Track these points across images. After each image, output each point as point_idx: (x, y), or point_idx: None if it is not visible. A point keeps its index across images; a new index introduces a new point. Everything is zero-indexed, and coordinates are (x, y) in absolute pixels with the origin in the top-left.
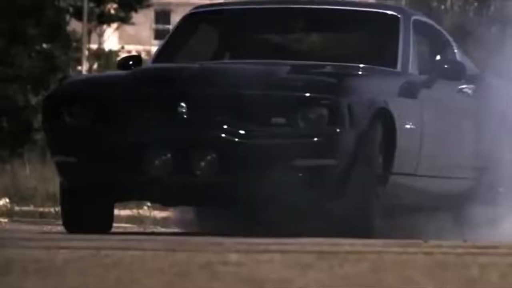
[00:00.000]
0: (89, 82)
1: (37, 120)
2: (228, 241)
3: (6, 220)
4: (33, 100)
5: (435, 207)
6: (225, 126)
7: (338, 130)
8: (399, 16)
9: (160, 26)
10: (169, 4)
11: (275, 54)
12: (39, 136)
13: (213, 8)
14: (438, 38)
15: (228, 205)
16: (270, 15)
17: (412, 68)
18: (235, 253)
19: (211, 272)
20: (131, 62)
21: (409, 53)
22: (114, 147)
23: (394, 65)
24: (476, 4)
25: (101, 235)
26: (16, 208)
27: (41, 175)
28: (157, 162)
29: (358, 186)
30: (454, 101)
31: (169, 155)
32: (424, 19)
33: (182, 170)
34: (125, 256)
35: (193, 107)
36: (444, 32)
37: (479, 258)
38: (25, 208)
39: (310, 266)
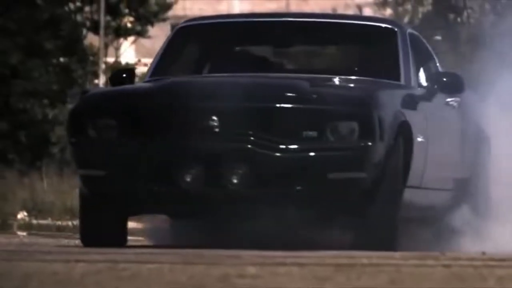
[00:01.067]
0: (115, 95)
1: (55, 134)
2: (245, 254)
3: (24, 233)
4: (51, 113)
5: (432, 218)
6: (256, 140)
7: (370, 143)
8: (396, 29)
9: None
10: (185, 17)
11: (272, 67)
12: (56, 150)
13: (205, 22)
14: (426, 51)
15: (260, 218)
16: (265, 28)
17: (414, 82)
18: (252, 265)
19: (229, 285)
20: (124, 75)
21: (410, 66)
22: (145, 160)
23: (398, 78)
24: (492, 16)
25: (118, 248)
26: (34, 222)
27: (58, 189)
28: (188, 175)
29: (385, 200)
30: (447, 114)
31: (200, 168)
32: (415, 32)
33: (214, 184)
34: (142, 269)
35: (225, 120)
36: (428, 45)
37: (497, 270)
38: (42, 222)
39: (327, 279)
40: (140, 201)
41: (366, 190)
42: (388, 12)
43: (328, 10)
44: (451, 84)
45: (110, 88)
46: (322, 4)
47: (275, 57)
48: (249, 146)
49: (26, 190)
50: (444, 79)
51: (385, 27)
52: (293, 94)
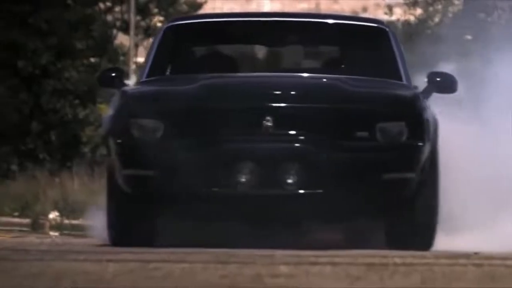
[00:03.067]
0: (162, 96)
1: (85, 134)
2: (278, 253)
3: (56, 233)
4: (81, 113)
5: None
6: (311, 140)
7: (420, 144)
8: (387, 29)
9: None
10: None
11: (266, 67)
12: (87, 150)
13: (192, 21)
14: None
15: (314, 219)
16: (257, 28)
17: (411, 81)
18: (285, 265)
19: (261, 285)
20: (113, 75)
21: (406, 66)
22: (199, 162)
23: (399, 78)
24: None
25: (150, 248)
26: (66, 222)
27: (89, 189)
28: (242, 177)
29: (428, 199)
30: None
31: (255, 169)
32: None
33: (269, 185)
34: (174, 268)
35: (279, 121)
36: None
37: None
38: (74, 222)
39: (360, 278)
40: (192, 202)
41: (414, 190)
42: (418, 11)
43: (358, 10)
44: (444, 84)
45: (152, 87)
46: (352, 4)
47: (269, 56)
48: (304, 146)
49: (57, 190)
50: (438, 79)
51: (378, 27)
52: (345, 94)
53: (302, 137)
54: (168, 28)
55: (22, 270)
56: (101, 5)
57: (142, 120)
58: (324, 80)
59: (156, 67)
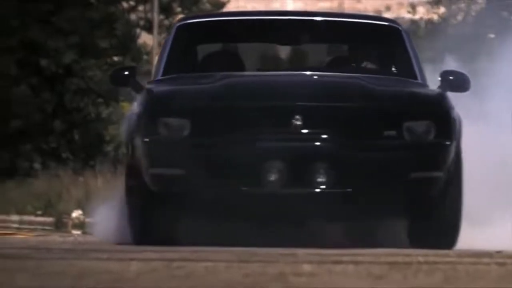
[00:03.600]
0: (189, 95)
1: (108, 132)
2: (301, 252)
3: (79, 232)
4: (104, 112)
5: None
6: (339, 139)
7: (448, 142)
8: (400, 28)
9: None
10: None
11: (281, 66)
12: (110, 148)
13: (203, 19)
14: None
15: (343, 218)
16: (269, 26)
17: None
18: (308, 264)
19: (284, 283)
20: (126, 73)
21: (420, 65)
22: (226, 159)
23: (414, 77)
24: None
25: (173, 246)
26: (88, 220)
27: (112, 187)
28: (272, 175)
29: (453, 198)
30: None
31: (283, 168)
32: None
33: (298, 183)
34: (197, 267)
35: (306, 120)
36: None
37: None
38: None
39: (383, 277)
40: (220, 201)
41: (440, 190)
42: (441, 10)
43: (381, 9)
44: (457, 83)
45: (177, 86)
46: (375, 3)
47: (279, 54)
48: (332, 145)
49: (81, 189)
50: (451, 78)
51: (390, 26)
52: (373, 93)
53: (330, 136)
54: (179, 26)
55: (44, 269)
56: (124, 4)
57: (169, 118)
58: (350, 79)
59: (170, 65)
